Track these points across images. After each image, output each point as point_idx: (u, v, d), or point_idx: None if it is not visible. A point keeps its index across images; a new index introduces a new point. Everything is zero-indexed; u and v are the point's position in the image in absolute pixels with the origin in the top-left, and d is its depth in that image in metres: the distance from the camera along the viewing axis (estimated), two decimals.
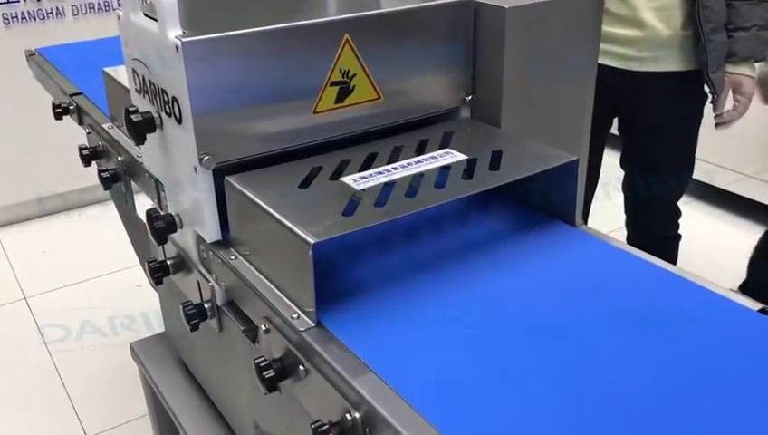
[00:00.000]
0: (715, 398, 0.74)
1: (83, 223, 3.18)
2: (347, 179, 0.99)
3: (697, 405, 0.73)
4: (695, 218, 2.97)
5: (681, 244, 2.23)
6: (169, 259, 1.20)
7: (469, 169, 1.02)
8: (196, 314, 1.10)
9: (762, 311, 0.86)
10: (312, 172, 1.02)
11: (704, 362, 0.79)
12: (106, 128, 1.45)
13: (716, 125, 2.03)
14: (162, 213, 1.13)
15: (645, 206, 2.15)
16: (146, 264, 1.23)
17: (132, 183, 1.41)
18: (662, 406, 0.73)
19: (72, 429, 2.08)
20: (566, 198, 1.07)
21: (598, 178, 2.19)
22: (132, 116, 1.04)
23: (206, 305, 1.10)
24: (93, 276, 2.74)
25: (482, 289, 0.94)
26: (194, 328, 1.10)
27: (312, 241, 0.83)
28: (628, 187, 2.18)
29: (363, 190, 0.96)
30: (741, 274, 2.35)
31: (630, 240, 2.23)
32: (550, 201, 1.09)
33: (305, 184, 0.98)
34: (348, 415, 0.77)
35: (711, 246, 2.80)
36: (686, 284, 0.93)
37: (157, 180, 1.19)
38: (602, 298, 0.91)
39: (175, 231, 1.12)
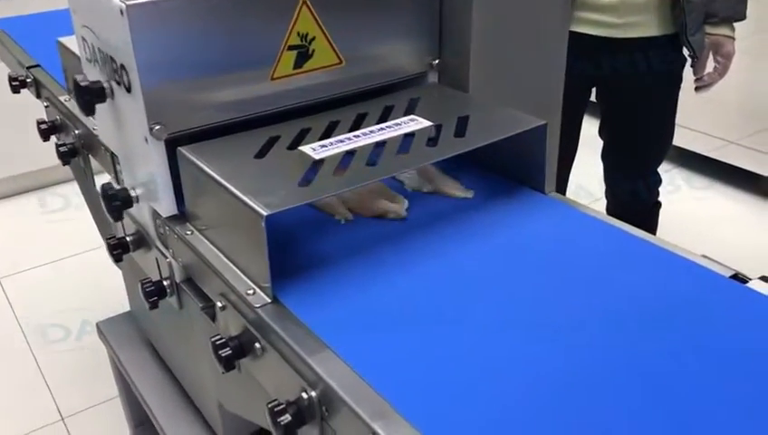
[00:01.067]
0: (688, 363, 0.72)
1: (53, 202, 3.12)
2: (306, 149, 0.94)
3: (676, 376, 0.70)
4: (675, 185, 2.96)
5: (662, 211, 2.20)
6: (128, 236, 1.16)
7: (434, 135, 0.98)
8: (154, 292, 1.06)
9: (734, 277, 0.83)
10: (270, 142, 0.97)
11: (685, 333, 0.76)
12: (63, 100, 1.39)
13: (696, 88, 2.00)
14: (117, 187, 1.09)
15: (624, 176, 2.12)
16: (105, 241, 1.18)
17: (92, 158, 1.36)
18: (643, 374, 0.70)
19: (47, 409, 2.04)
20: (536, 165, 1.03)
21: (575, 152, 2.14)
22: (80, 85, 0.99)
23: (164, 283, 1.06)
24: (65, 256, 2.69)
25: (451, 260, 0.90)
26: (153, 306, 1.06)
27: (264, 213, 0.78)
28: (606, 157, 2.15)
29: (322, 160, 0.91)
30: (721, 241, 2.34)
31: (610, 209, 2.20)
32: (519, 168, 1.06)
33: (261, 154, 0.94)
34: (304, 394, 0.73)
35: (692, 214, 2.78)
36: (660, 251, 0.90)
37: (112, 153, 1.14)
38: (573, 265, 0.88)
39: (131, 206, 1.08)
